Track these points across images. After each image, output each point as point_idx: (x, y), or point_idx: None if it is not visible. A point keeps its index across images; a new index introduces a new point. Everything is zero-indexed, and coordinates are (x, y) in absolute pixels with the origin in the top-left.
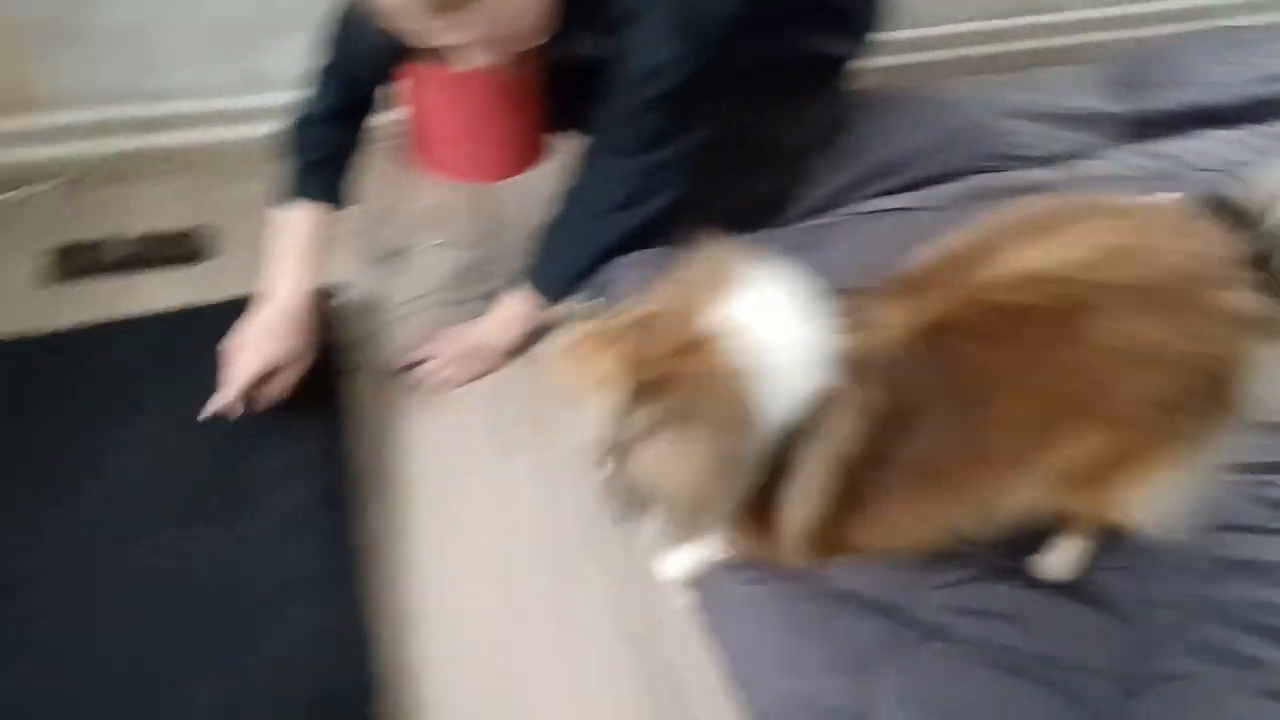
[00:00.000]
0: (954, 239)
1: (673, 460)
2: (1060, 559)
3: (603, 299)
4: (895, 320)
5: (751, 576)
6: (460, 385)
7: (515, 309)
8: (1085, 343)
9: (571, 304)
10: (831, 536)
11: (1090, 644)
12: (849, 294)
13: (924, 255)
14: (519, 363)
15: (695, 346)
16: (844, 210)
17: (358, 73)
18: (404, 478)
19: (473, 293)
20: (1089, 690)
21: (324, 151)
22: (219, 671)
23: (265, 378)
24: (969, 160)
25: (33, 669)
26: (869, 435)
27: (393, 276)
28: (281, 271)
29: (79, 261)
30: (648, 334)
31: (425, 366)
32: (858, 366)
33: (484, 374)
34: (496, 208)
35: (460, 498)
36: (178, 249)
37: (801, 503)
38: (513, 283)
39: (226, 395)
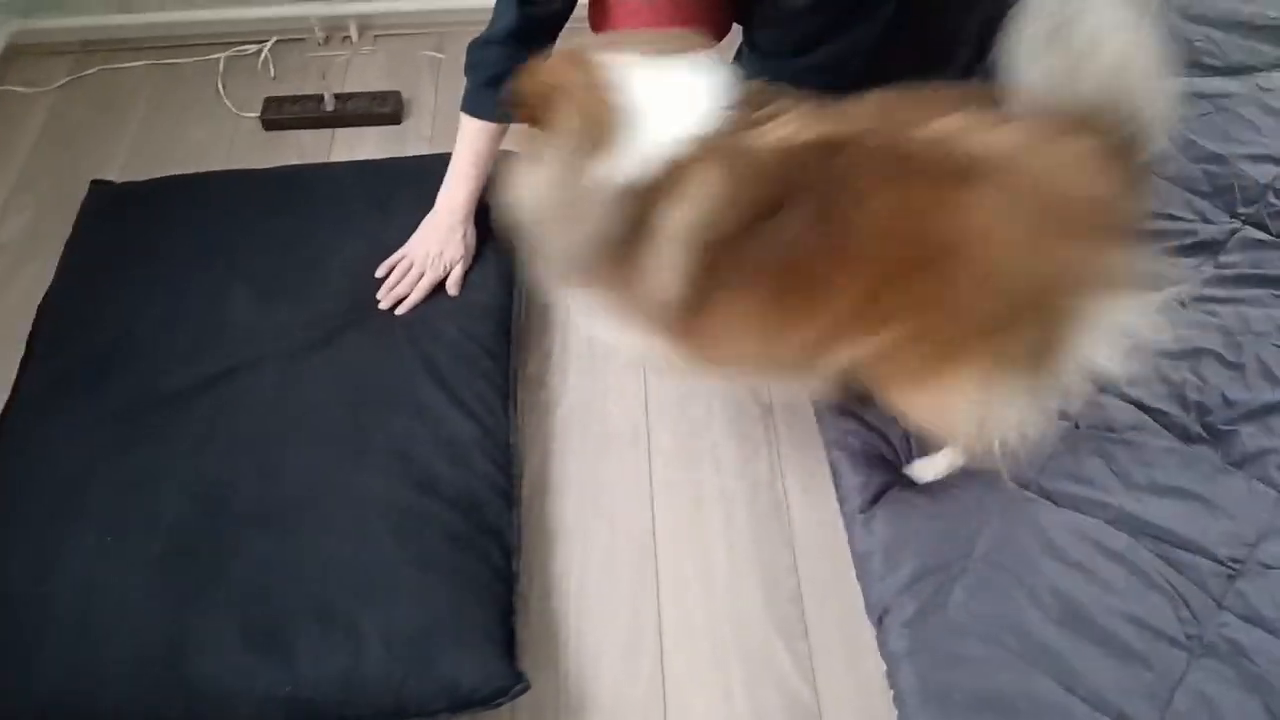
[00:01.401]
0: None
1: (532, 176)
2: (932, 465)
3: None
4: (794, 128)
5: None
6: None
7: None
8: (951, 226)
9: None
10: (690, 321)
11: (1199, 529)
12: (772, 94)
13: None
14: None
15: (586, 75)
16: None
17: None
18: (560, 325)
19: None
20: (1195, 566)
21: (494, 71)
22: (386, 463)
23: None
24: None
25: (240, 441)
26: (728, 219)
27: None
28: (453, 177)
29: (288, 113)
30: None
31: None
32: (732, 151)
33: None
34: None
35: (608, 348)
36: (379, 108)
37: (656, 266)
38: None
39: (410, 299)
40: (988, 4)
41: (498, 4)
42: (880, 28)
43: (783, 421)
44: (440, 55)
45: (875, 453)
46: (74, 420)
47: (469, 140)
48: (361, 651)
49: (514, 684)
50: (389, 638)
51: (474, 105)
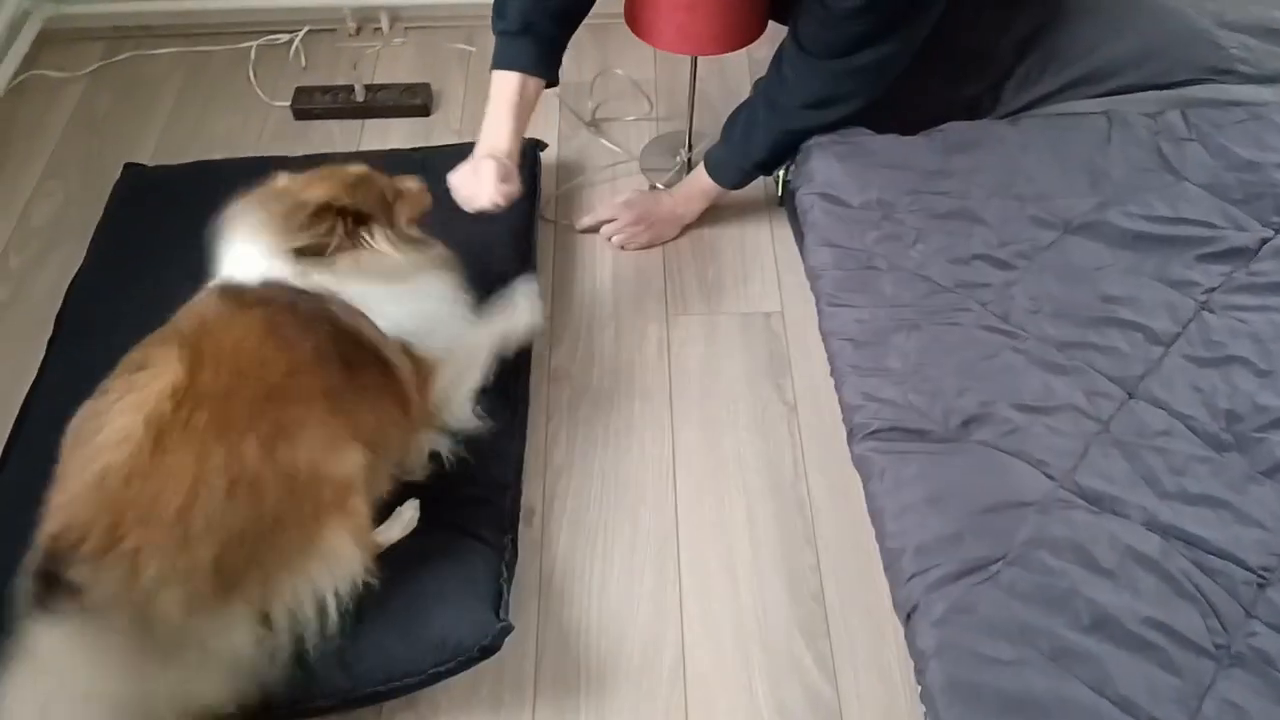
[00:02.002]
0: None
1: None
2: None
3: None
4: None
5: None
6: (640, 248)
7: (700, 186)
8: None
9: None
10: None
11: (1230, 537)
12: None
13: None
14: (694, 234)
15: None
16: (1043, 110)
17: None
18: (586, 321)
19: (668, 163)
20: (1226, 574)
21: (517, 24)
22: None
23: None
24: (1181, 70)
25: None
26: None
27: (595, 140)
28: (491, 127)
29: (318, 103)
30: None
31: (609, 227)
32: None
33: (663, 241)
34: (701, 84)
35: (634, 342)
36: (409, 100)
37: None
38: (702, 159)
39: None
40: (1021, 27)
41: None
42: (927, 31)
43: (807, 419)
44: (470, 48)
45: (909, 450)
46: None
47: (500, 93)
48: (358, 625)
49: (497, 631)
50: (385, 610)
51: (501, 57)
